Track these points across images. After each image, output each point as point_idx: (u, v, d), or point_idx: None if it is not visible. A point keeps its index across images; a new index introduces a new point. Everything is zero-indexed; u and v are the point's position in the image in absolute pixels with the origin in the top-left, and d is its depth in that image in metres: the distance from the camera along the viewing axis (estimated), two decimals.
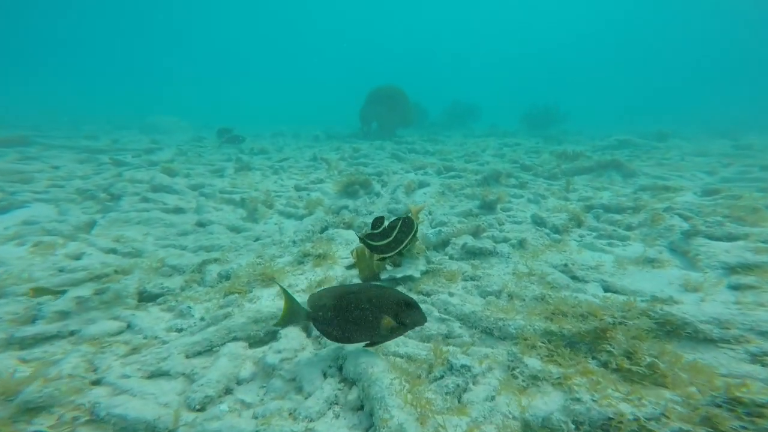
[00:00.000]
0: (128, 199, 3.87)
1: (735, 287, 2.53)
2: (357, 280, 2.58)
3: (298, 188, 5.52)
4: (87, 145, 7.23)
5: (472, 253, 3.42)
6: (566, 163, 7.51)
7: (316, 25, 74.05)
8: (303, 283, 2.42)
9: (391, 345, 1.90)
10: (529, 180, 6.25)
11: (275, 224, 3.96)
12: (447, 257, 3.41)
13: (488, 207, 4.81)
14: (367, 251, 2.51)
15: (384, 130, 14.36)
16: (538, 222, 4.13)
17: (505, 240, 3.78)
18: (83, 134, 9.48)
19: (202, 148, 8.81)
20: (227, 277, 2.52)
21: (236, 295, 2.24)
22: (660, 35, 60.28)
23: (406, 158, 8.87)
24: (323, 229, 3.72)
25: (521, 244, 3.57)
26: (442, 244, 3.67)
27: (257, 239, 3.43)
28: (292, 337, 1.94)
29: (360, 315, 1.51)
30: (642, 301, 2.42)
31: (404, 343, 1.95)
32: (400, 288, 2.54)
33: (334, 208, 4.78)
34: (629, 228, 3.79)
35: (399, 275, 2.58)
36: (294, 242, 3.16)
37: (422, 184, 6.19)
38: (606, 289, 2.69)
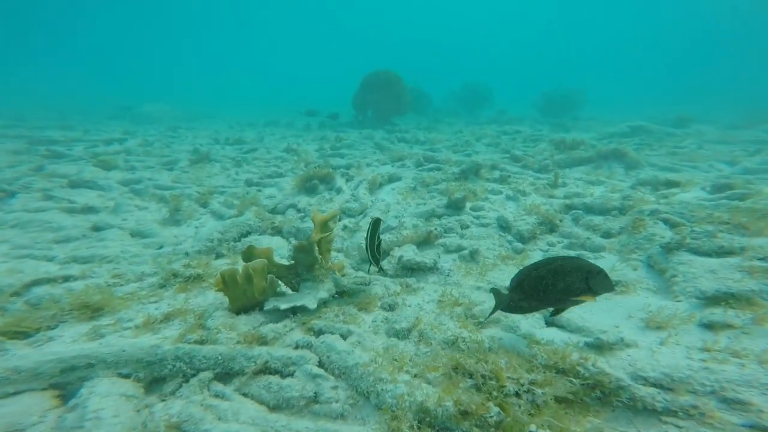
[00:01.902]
0: (26, 196, 3.49)
1: (708, 325, 1.88)
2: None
3: (249, 183, 5.02)
4: (48, 135, 6.97)
5: (408, 269, 2.84)
6: (563, 153, 6.66)
7: (324, 6, 72.09)
8: (139, 318, 1.88)
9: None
10: (515, 173, 5.51)
11: (196, 227, 3.48)
12: (380, 273, 2.84)
13: (455, 206, 4.16)
14: (240, 275, 1.98)
15: (379, 117, 13.60)
16: (503, 226, 3.47)
17: (458, 249, 3.16)
18: (60, 125, 9.28)
19: (174, 138, 8.42)
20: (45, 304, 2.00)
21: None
22: (690, 6, 55.24)
23: (390, 148, 8.20)
24: (243, 235, 3.21)
25: (472, 256, 2.94)
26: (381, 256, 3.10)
27: (160, 247, 2.96)
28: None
29: (548, 285, 1.61)
30: (584, 343, 1.81)
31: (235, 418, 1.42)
32: (286, 322, 2.00)
33: (281, 207, 4.25)
34: (608, 235, 3.09)
35: (284, 306, 2.03)
36: (187, 254, 2.67)
37: (393, 178, 5.56)
38: (548, 324, 2.07)
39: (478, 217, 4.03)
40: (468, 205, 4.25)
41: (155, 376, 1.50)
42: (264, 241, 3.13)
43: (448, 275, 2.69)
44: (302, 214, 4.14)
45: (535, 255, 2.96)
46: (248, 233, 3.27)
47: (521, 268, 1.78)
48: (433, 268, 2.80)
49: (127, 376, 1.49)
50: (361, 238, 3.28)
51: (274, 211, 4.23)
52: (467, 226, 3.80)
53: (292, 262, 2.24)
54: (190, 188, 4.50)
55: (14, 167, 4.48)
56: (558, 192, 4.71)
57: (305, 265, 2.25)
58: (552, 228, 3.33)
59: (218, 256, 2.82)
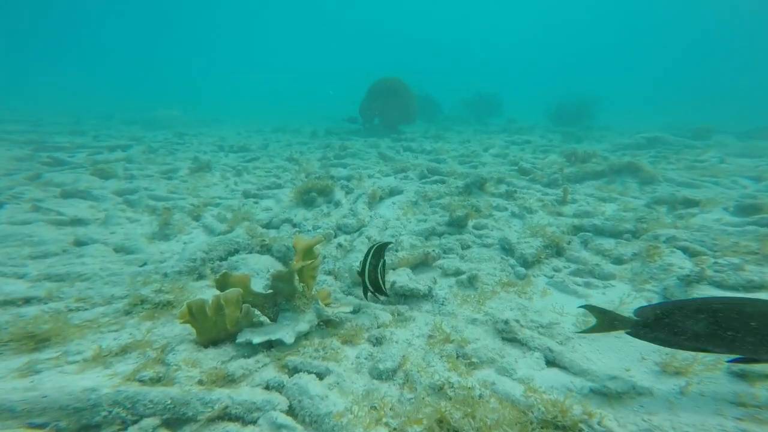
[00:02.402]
0: (14, 207, 3.44)
1: (740, 375, 1.63)
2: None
3: (246, 195, 4.92)
4: (56, 141, 7.06)
5: (401, 296, 2.64)
6: (574, 165, 6.38)
7: (337, 12, 73.26)
8: (91, 350, 1.71)
9: None
10: (522, 187, 5.27)
11: (184, 243, 3.36)
12: (370, 302, 2.66)
13: (457, 224, 3.96)
14: (209, 307, 1.82)
15: (385, 125, 13.52)
16: (506, 248, 3.25)
17: (456, 273, 2.95)
18: (72, 130, 9.46)
19: (179, 145, 8.46)
20: None
21: None
22: (713, 13, 54.01)
23: (395, 159, 8.05)
24: (230, 253, 3.07)
25: (470, 281, 2.73)
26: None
27: (143, 264, 2.85)
28: None
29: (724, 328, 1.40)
30: (589, 389, 1.58)
31: None
32: (259, 357, 1.83)
33: (276, 221, 4.12)
34: (619, 261, 2.84)
35: (258, 339, 1.86)
36: (166, 275, 2.54)
37: (394, 192, 5.39)
38: (549, 363, 1.85)
39: (480, 237, 3.82)
40: (470, 222, 4.04)
41: (84, 424, 1.33)
42: (251, 261, 2.98)
43: (442, 304, 2.49)
44: (297, 229, 4.00)
45: (538, 281, 2.73)
46: (236, 251, 3.13)
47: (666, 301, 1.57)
48: (427, 296, 2.60)
49: (41, 427, 1.31)
50: (354, 259, 3.11)
51: (268, 225, 4.10)
52: (468, 246, 3.59)
53: (270, 291, 2.08)
54: (186, 199, 4.42)
55: (11, 175, 4.49)
56: (567, 209, 4.46)
57: (284, 295, 2.09)
58: (558, 251, 3.10)
59: (200, 277, 2.68)
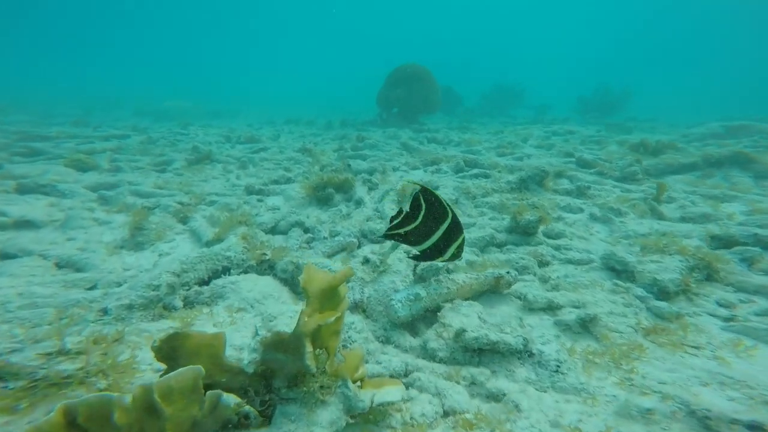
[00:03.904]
0: None
1: None
2: None
3: (249, 191, 4.02)
4: (46, 132, 6.38)
5: (473, 351, 1.64)
6: (647, 158, 5.19)
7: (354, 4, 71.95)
8: None
9: None
10: (592, 183, 4.15)
11: (160, 254, 2.46)
12: (422, 359, 1.68)
13: (523, 231, 2.92)
14: (124, 408, 0.86)
15: (405, 116, 12.46)
16: (618, 268, 2.19)
17: (550, 308, 1.93)
18: (75, 121, 8.86)
19: (183, 135, 7.68)
20: None
21: None
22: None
23: (420, 150, 7.01)
24: (215, 274, 2.14)
25: (584, 325, 1.70)
26: (421, 322, 1.93)
27: (91, 287, 1.95)
28: None
29: None
30: None
31: None
32: None
33: (283, 224, 3.19)
34: None
35: None
36: (107, 311, 1.61)
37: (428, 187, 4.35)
38: None
39: (558, 248, 2.77)
40: (540, 229, 2.99)
41: None
42: (245, 286, 2.04)
43: (556, 370, 1.46)
44: (310, 235, 3.05)
45: (705, 325, 1.66)
46: (225, 270, 2.19)
47: None
48: (521, 353, 1.59)
49: None
50: (389, 283, 2.13)
51: (274, 230, 3.17)
52: (547, 263, 2.55)
53: (262, 367, 1.12)
54: (174, 196, 3.54)
55: None
56: (669, 211, 3.34)
57: (286, 374, 1.12)
58: (709, 274, 2.01)
59: (163, 312, 1.76)
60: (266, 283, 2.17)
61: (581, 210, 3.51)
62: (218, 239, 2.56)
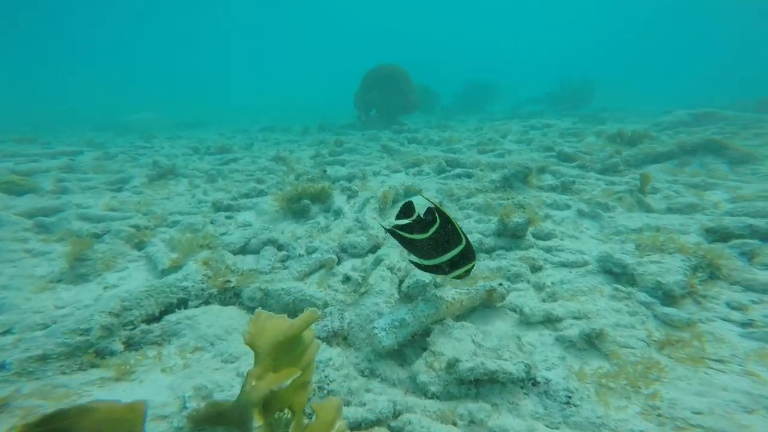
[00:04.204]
0: None
1: None
2: None
3: (217, 207, 3.68)
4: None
5: (470, 383, 1.43)
6: (625, 148, 5.20)
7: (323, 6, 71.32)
8: None
9: None
10: (576, 177, 4.06)
11: (105, 287, 2.13)
12: (412, 396, 1.46)
13: (511, 235, 2.76)
14: None
15: (384, 117, 12.28)
16: (616, 271, 2.04)
17: (550, 320, 1.75)
18: (17, 137, 8.15)
19: (146, 149, 7.17)
20: None
21: None
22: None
23: (401, 151, 6.83)
24: (167, 309, 1.84)
25: (591, 341, 1.53)
26: (409, 347, 1.71)
27: (6, 332, 1.61)
28: None
29: None
30: None
31: None
32: None
33: (255, 243, 2.90)
34: None
35: None
36: (4, 365, 1.30)
37: (410, 193, 4.17)
38: None
39: (550, 250, 2.62)
40: (529, 230, 2.84)
41: None
42: (204, 320, 1.76)
43: (567, 402, 1.27)
44: (285, 253, 2.78)
45: (721, 332, 1.51)
46: (181, 303, 1.90)
47: None
48: (524, 381, 1.39)
49: None
50: (371, 305, 1.89)
51: (244, 250, 2.87)
52: (540, 268, 2.38)
53: None
54: (132, 218, 3.17)
55: None
56: (654, 203, 3.26)
57: None
58: (713, 272, 1.89)
59: (93, 364, 1.45)
60: (230, 315, 1.89)
61: (568, 206, 3.40)
62: (176, 266, 2.25)
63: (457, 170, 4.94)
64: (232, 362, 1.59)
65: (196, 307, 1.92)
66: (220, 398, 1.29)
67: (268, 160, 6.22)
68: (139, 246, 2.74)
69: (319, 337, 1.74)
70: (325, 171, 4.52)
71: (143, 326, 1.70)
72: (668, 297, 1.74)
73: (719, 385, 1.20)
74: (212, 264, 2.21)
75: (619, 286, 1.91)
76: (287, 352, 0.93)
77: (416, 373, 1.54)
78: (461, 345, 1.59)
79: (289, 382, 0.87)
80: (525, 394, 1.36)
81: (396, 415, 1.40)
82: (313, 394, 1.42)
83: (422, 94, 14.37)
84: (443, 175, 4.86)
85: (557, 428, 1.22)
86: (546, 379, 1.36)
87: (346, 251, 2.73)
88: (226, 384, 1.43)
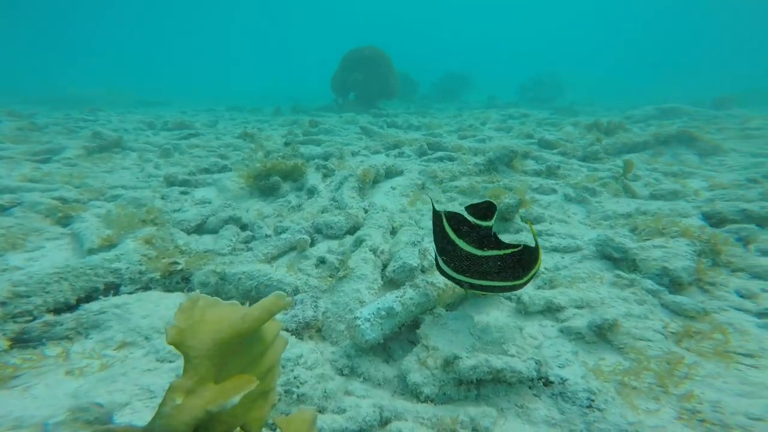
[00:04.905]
0: None
1: None
2: None
3: (171, 181, 3.19)
4: None
5: (470, 385, 1.20)
6: (603, 137, 5.23)
7: None
8: None
9: None
10: (560, 162, 3.98)
11: (4, 269, 1.68)
12: (402, 399, 1.20)
13: (501, 217, 2.58)
14: None
15: (362, 101, 11.80)
16: (616, 256, 1.89)
17: (550, 309, 1.56)
18: None
19: (88, 122, 6.28)
20: None
21: None
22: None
23: (381, 134, 6.49)
24: (91, 295, 1.44)
25: (601, 333, 1.35)
26: (395, 341, 1.46)
27: None
28: None
29: None
30: None
31: None
32: None
33: (213, 221, 2.49)
34: None
35: None
36: None
37: (391, 173, 3.88)
38: None
39: (540, 234, 2.47)
40: (518, 213, 2.67)
41: None
42: (138, 309, 1.39)
43: (588, 404, 1.07)
44: (249, 233, 2.41)
45: (735, 320, 1.39)
46: (111, 288, 1.50)
47: None
48: (532, 381, 1.18)
49: None
50: (352, 291, 1.61)
51: (200, 229, 2.46)
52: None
53: None
54: (58, 190, 2.63)
55: None
56: (639, 187, 3.23)
57: None
58: (714, 258, 1.79)
59: None
60: (174, 303, 1.52)
61: (554, 191, 3.28)
62: (108, 245, 1.82)
63: (439, 153, 4.72)
64: (171, 361, 1.25)
65: (130, 293, 1.53)
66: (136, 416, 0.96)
67: (234, 138, 5.65)
68: (64, 222, 2.25)
69: (287, 330, 1.43)
70: (294, 146, 4.10)
71: (48, 317, 1.30)
72: (675, 284, 1.61)
73: (762, 384, 1.06)
74: (156, 243, 1.81)
75: (621, 273, 1.76)
76: (239, 353, 0.63)
77: (406, 371, 1.29)
78: (458, 338, 1.36)
79: (237, 398, 0.57)
80: (536, 395, 1.15)
81: (383, 423, 1.14)
82: (278, 401, 1.13)
83: (402, 81, 14.02)
84: (425, 158, 4.61)
85: None
86: (561, 378, 1.16)
87: (320, 232, 2.41)
88: (159, 389, 1.10)
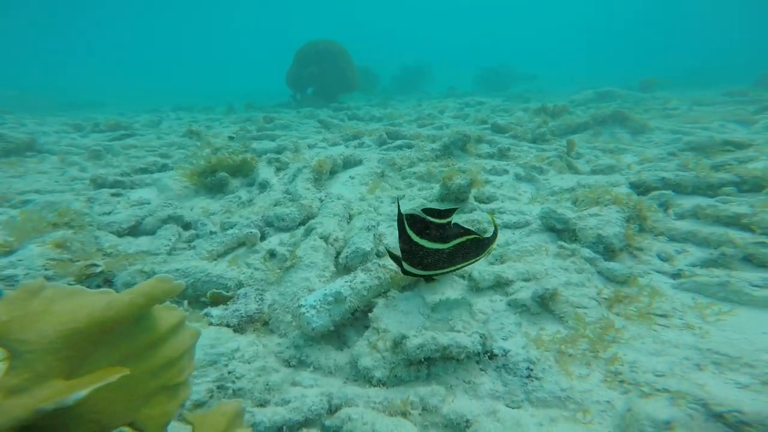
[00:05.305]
0: None
1: None
2: None
3: (99, 183, 2.87)
4: None
5: (420, 363, 1.19)
6: (550, 120, 5.52)
7: None
8: None
9: None
10: (510, 145, 4.12)
11: None
12: (353, 385, 1.16)
13: (455, 198, 2.61)
14: None
15: (322, 95, 11.48)
16: (558, 227, 1.98)
17: (500, 284, 1.60)
18: None
19: None
20: None
21: None
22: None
23: (341, 126, 6.36)
24: None
25: (544, 304, 1.40)
26: (350, 328, 1.42)
27: None
28: None
29: None
30: None
31: None
32: None
33: (151, 221, 2.27)
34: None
35: None
36: None
37: (351, 162, 3.81)
38: None
39: (493, 212, 2.53)
40: (472, 193, 2.73)
41: None
42: None
43: (527, 374, 1.10)
44: (193, 232, 2.23)
45: (656, 282, 1.50)
46: None
47: None
48: (479, 355, 1.19)
49: None
50: (301, 280, 1.54)
51: (135, 231, 2.25)
52: (484, 231, 2.27)
53: None
54: None
55: None
56: (580, 166, 3.43)
57: None
58: (641, 224, 1.93)
59: None
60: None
61: (506, 171, 3.40)
62: (6, 251, 1.59)
63: (398, 141, 4.71)
64: None
65: None
66: None
67: (180, 137, 5.23)
68: None
69: (229, 325, 1.33)
70: (232, 138, 3.88)
71: None
72: (609, 251, 1.71)
73: (671, 342, 1.15)
74: (73, 246, 1.60)
75: (564, 243, 1.85)
76: (111, 344, 0.55)
77: (357, 356, 1.25)
78: (409, 319, 1.34)
79: (83, 393, 0.48)
80: (482, 370, 1.16)
81: (332, 410, 1.10)
82: (210, 398, 1.04)
83: (362, 75, 13.84)
84: (384, 147, 4.58)
85: (520, 407, 1.04)
86: (504, 350, 1.18)
87: (272, 225, 2.29)
88: None
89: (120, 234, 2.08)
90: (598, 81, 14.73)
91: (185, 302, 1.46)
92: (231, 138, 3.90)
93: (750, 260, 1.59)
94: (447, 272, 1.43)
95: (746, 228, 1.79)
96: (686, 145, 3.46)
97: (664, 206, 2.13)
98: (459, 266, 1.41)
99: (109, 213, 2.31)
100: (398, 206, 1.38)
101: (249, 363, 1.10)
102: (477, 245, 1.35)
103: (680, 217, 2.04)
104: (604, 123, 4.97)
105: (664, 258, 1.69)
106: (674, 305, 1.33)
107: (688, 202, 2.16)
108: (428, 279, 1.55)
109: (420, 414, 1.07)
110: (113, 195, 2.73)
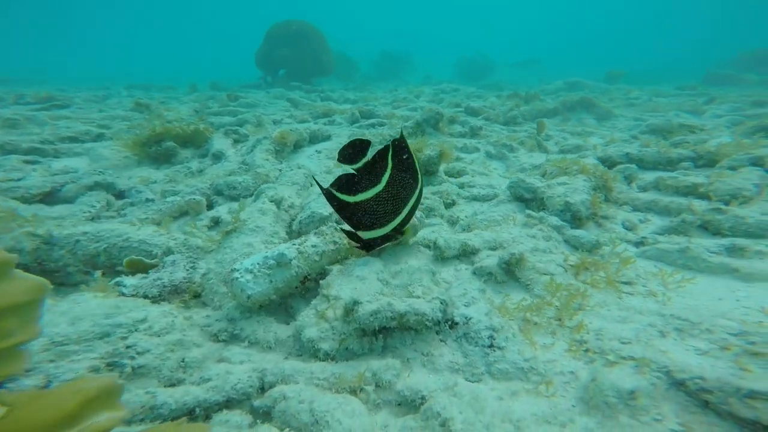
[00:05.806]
0: None
1: None
2: None
3: (9, 150, 2.45)
4: None
5: (374, 334, 1.04)
6: (522, 104, 5.54)
7: None
8: None
9: None
10: (483, 126, 4.06)
11: None
12: (295, 360, 0.99)
13: (425, 171, 2.49)
14: None
15: (295, 77, 10.91)
16: (527, 197, 1.91)
17: (466, 253, 1.49)
18: None
19: None
20: None
21: None
22: None
23: (313, 105, 6.04)
24: None
25: (509, 270, 1.31)
26: (300, 299, 1.25)
27: None
28: None
29: None
30: None
31: None
32: None
33: (73, 188, 1.95)
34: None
35: None
36: None
37: (319, 137, 3.57)
38: None
39: (462, 186, 2.45)
40: (442, 166, 2.62)
41: None
42: None
43: (489, 343, 0.98)
44: (127, 201, 1.94)
45: (620, 250, 1.45)
46: None
47: None
48: (439, 325, 1.06)
49: None
50: (243, 246, 1.34)
51: (52, 197, 1.92)
52: (453, 203, 2.17)
53: None
54: None
55: None
56: (552, 147, 3.42)
57: None
58: (606, 194, 1.89)
59: None
60: None
61: (477, 149, 3.32)
62: None
63: (371, 120, 4.52)
64: None
65: None
66: None
67: (127, 110, 4.70)
68: None
69: (147, 296, 1.11)
70: (197, 111, 3.54)
71: None
72: (576, 219, 1.65)
73: (636, 309, 1.09)
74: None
75: (531, 212, 1.77)
76: None
77: (302, 327, 1.09)
78: (365, 285, 1.19)
79: None
80: (442, 341, 1.04)
81: (264, 388, 0.93)
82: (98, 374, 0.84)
83: (340, 60, 13.34)
84: (357, 125, 4.37)
85: (480, 380, 0.92)
86: (466, 318, 1.06)
87: (221, 193, 2.05)
88: None
89: (28, 200, 1.76)
90: (569, 72, 15.22)
91: (98, 273, 1.22)
92: (197, 112, 3.52)
93: (706, 227, 1.58)
94: (405, 219, 1.32)
95: (704, 196, 1.79)
96: (647, 127, 3.55)
97: (628, 179, 2.12)
98: (410, 209, 1.30)
99: (18, 180, 1.96)
100: (318, 184, 1.24)
101: (158, 336, 0.90)
102: (406, 169, 1.26)
103: (643, 189, 2.04)
104: (572, 109, 5.05)
105: (628, 227, 1.66)
106: (638, 272, 1.28)
107: (650, 176, 2.16)
108: (393, 238, 1.40)
109: (373, 390, 0.92)
110: (26, 162, 2.34)
